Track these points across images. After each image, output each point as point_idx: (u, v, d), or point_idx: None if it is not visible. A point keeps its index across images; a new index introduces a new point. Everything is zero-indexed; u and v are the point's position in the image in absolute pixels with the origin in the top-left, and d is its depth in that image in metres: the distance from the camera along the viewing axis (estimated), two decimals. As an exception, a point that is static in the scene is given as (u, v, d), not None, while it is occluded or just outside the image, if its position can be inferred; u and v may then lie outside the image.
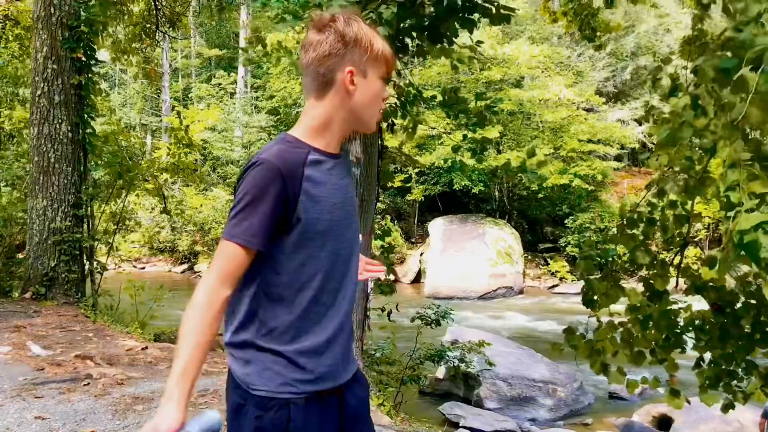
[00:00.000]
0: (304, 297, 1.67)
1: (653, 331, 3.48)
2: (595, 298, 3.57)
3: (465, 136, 6.47)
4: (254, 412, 1.64)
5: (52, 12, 8.77)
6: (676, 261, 3.73)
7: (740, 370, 3.45)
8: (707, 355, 3.55)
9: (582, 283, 3.75)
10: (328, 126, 1.72)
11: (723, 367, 3.44)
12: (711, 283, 3.49)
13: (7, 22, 13.85)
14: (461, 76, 20.51)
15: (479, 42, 5.69)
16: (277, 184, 1.59)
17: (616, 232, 3.69)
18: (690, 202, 3.58)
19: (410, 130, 6.43)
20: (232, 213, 1.63)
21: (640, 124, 22.11)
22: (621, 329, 3.56)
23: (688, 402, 3.48)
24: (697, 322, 3.59)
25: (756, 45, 2.36)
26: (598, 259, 3.80)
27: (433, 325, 7.92)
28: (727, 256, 2.40)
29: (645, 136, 22.31)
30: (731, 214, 2.28)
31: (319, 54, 1.69)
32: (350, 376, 1.81)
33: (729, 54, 2.64)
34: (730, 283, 3.56)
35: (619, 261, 3.71)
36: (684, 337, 3.64)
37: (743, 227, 2.11)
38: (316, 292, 1.68)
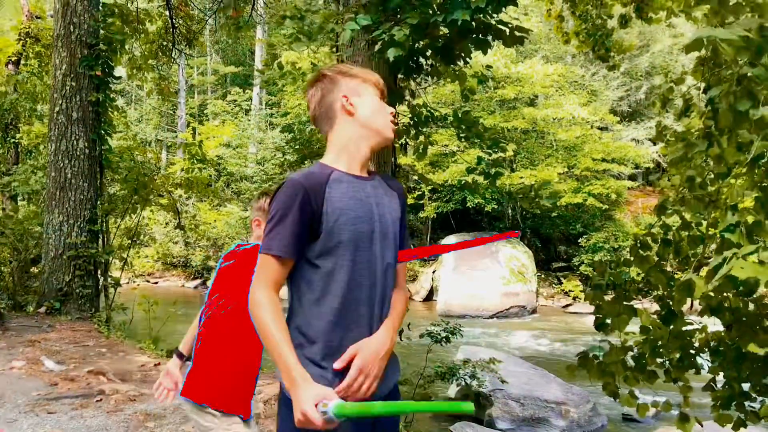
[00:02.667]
0: (333, 304, 1.81)
1: (664, 350, 3.45)
2: (608, 321, 3.56)
3: (479, 159, 6.47)
4: None
5: (72, 30, 8.92)
6: (690, 282, 3.70)
7: (754, 392, 3.41)
8: (720, 377, 3.51)
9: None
10: (345, 148, 1.93)
11: (736, 388, 3.41)
12: (727, 305, 3.46)
13: (27, 39, 14.08)
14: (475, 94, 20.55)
15: (488, 66, 5.70)
16: (300, 197, 1.78)
17: (630, 255, 3.68)
18: (705, 223, 3.56)
19: (420, 151, 6.45)
20: (267, 228, 1.82)
21: (655, 144, 22.04)
22: (632, 352, 3.54)
23: (701, 425, 3.44)
24: (712, 343, 3.56)
25: None
26: (611, 279, 3.78)
27: (443, 343, 7.88)
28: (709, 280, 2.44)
29: (659, 156, 22.22)
30: (728, 253, 2.31)
31: (317, 100, 1.98)
32: (387, 391, 1.89)
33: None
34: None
35: (633, 284, 3.70)
36: (699, 359, 3.61)
37: (739, 275, 2.15)
38: (344, 300, 1.81)
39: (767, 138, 2.51)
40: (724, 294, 3.23)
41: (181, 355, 2.71)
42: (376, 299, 1.86)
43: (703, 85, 3.41)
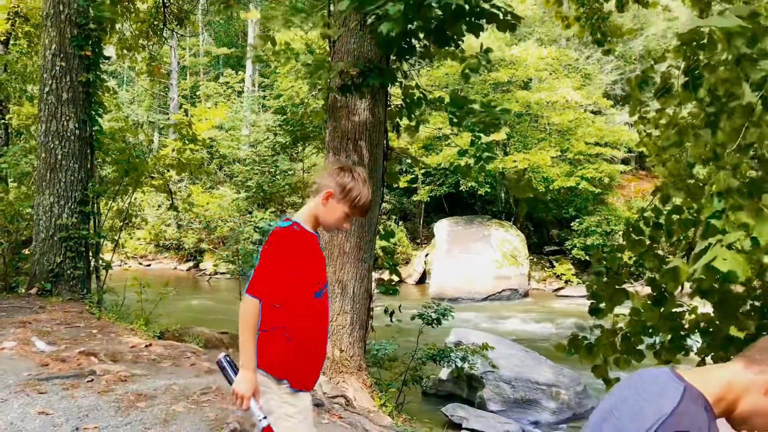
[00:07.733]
0: None
1: (654, 331, 3.48)
2: (602, 306, 3.58)
3: (473, 142, 6.44)
4: None
5: (62, 10, 8.80)
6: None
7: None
8: (709, 359, 3.54)
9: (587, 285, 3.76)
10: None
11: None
12: (716, 287, 3.47)
13: (16, 18, 13.91)
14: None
15: (488, 50, 5.63)
16: None
17: (623, 240, 3.70)
18: (695, 206, 3.57)
19: (413, 128, 6.42)
20: None
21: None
22: (621, 333, 3.56)
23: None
24: (702, 324, 3.58)
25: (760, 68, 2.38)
26: (605, 264, 3.80)
27: (434, 324, 7.91)
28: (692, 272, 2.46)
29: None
30: (712, 240, 2.31)
31: None
32: None
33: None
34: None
35: (625, 269, 3.72)
36: (689, 340, 3.63)
37: (721, 267, 2.14)
38: None
39: (757, 125, 2.52)
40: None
41: None
42: None
43: (683, 64, 3.40)
